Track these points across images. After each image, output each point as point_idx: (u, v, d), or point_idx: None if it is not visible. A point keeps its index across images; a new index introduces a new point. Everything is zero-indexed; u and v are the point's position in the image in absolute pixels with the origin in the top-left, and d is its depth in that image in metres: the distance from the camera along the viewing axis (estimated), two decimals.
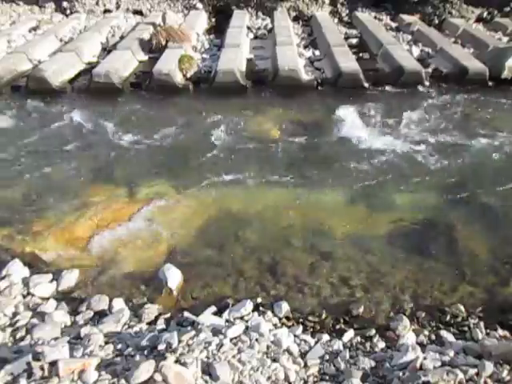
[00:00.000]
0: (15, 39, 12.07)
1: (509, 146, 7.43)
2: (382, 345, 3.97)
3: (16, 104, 9.10)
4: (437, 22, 13.65)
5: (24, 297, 4.47)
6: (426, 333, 4.12)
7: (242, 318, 4.18)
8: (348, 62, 10.07)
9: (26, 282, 4.64)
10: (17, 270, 4.77)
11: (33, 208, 5.98)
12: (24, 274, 4.77)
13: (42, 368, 3.15)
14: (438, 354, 3.61)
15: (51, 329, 3.89)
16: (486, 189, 6.35)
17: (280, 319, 4.28)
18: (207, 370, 3.26)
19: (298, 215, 5.86)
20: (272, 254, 5.18)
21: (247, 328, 3.87)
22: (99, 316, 4.27)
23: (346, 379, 3.39)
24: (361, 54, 11.44)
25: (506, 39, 12.36)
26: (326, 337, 4.01)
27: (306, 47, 11.95)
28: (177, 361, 3.24)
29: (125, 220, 5.75)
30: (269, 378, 3.35)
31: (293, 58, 10.34)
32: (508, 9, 13.89)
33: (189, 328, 3.86)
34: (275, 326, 4.13)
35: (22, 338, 3.81)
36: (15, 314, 4.16)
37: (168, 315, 4.32)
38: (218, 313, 4.27)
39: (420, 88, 9.74)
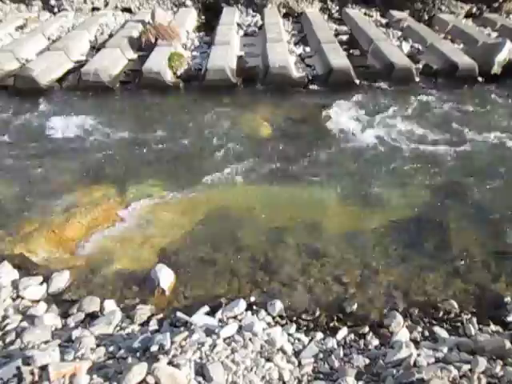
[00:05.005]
0: (2, 38, 11.91)
1: (499, 142, 7.47)
2: (375, 342, 3.97)
3: (3, 104, 8.97)
4: (426, 17, 13.70)
5: (13, 300, 4.41)
6: (420, 329, 4.13)
7: (235, 317, 4.16)
8: (339, 59, 10.06)
9: (15, 285, 4.58)
10: (6, 272, 4.70)
11: (22, 209, 5.89)
12: (13, 276, 4.71)
13: (32, 373, 3.10)
14: (431, 351, 3.62)
15: (41, 332, 3.84)
16: (477, 185, 6.36)
17: (273, 318, 4.27)
18: (200, 371, 3.23)
19: (291, 213, 5.84)
20: (264, 252, 5.15)
21: (240, 328, 3.84)
22: (91, 318, 4.23)
23: (341, 377, 3.38)
24: (351, 51, 11.44)
25: (495, 35, 12.43)
26: (319, 335, 4.01)
27: (296, 44, 11.92)
28: (170, 362, 3.21)
29: (115, 220, 5.69)
30: (263, 377, 3.33)
31: (283, 54, 10.31)
32: (497, 4, 13.95)
33: (182, 328, 3.83)
34: (269, 324, 4.12)
35: (12, 342, 3.75)
36: (4, 318, 4.10)
37: (160, 316, 4.29)
38: (211, 312, 4.24)
39: (410, 84, 9.75)
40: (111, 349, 3.59)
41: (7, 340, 3.80)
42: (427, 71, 10.26)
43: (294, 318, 4.30)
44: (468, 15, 13.95)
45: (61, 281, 4.71)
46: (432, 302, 4.48)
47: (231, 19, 12.98)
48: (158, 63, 9.85)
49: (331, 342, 3.89)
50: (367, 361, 3.63)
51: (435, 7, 13.80)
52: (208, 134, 7.85)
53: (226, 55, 10.18)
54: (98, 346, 3.65)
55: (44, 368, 3.14)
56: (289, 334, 3.96)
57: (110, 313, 4.22)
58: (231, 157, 7.12)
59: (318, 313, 4.38)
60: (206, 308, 4.32)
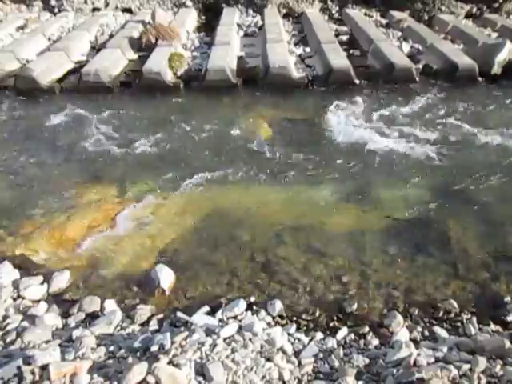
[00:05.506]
0: (2, 38, 11.92)
1: (499, 142, 7.47)
2: (375, 342, 3.97)
3: (3, 104, 8.98)
4: (426, 18, 13.70)
5: (14, 300, 4.42)
6: (420, 329, 4.13)
7: (235, 317, 4.17)
8: (339, 59, 10.07)
9: (16, 285, 4.59)
10: (6, 272, 4.70)
11: (22, 209, 5.90)
12: (14, 276, 4.71)
13: (32, 372, 3.11)
14: (431, 350, 3.62)
15: (42, 332, 3.84)
16: (477, 185, 6.37)
17: (273, 318, 4.27)
18: (201, 370, 3.24)
19: (291, 213, 5.85)
20: (265, 252, 5.16)
21: (240, 327, 3.85)
22: (91, 318, 4.23)
23: (341, 377, 3.39)
24: (351, 51, 11.45)
25: (495, 35, 12.44)
26: (319, 335, 4.01)
27: (296, 44, 11.93)
28: (170, 362, 3.22)
29: (116, 220, 5.70)
30: (263, 377, 3.33)
31: (283, 55, 10.32)
32: (497, 4, 13.96)
33: (182, 328, 3.84)
34: (269, 324, 4.12)
35: (13, 342, 3.76)
36: (5, 318, 4.10)
37: (161, 316, 4.29)
38: (212, 312, 4.25)
39: (410, 84, 9.75)
40: (112, 348, 3.60)
41: (8, 340, 3.81)
42: (427, 71, 10.26)
43: (294, 318, 4.30)
44: (468, 15, 13.95)
45: (61, 281, 4.71)
46: (432, 302, 4.48)
47: (231, 20, 12.99)
48: (158, 63, 9.86)
49: (331, 342, 3.89)
50: (367, 360, 3.63)
51: (435, 7, 13.81)
52: (208, 134, 7.85)
53: (226, 55, 10.19)
54: (98, 345, 3.66)
55: (45, 367, 3.15)
56: (289, 334, 3.96)
57: (111, 313, 4.23)
58: (231, 157, 7.12)
59: (318, 313, 4.38)
60: (206, 308, 4.32)
